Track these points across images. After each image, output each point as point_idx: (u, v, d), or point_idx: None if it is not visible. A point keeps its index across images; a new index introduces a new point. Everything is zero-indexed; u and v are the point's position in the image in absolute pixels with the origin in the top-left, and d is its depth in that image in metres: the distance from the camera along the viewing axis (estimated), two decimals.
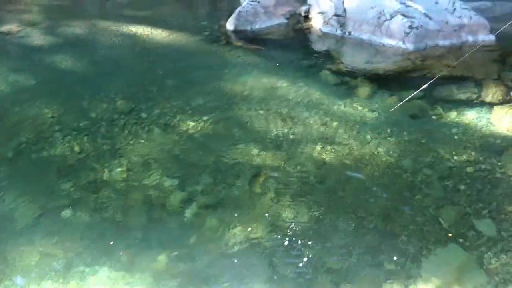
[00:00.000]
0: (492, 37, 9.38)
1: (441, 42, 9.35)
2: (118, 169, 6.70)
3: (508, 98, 7.81)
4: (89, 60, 9.10)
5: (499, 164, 6.65)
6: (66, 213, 6.13)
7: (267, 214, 6.03)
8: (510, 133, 7.15)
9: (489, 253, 5.55)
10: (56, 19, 10.49)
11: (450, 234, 5.73)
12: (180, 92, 8.10)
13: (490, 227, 5.83)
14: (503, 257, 5.51)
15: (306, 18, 10.22)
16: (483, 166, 6.63)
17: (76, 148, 7.05)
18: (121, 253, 5.61)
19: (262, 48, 9.28)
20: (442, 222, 5.91)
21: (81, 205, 6.24)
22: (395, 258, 5.52)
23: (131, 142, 7.14)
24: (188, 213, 6.10)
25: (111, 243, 5.74)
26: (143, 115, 7.63)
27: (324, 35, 9.68)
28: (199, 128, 7.34)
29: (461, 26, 9.37)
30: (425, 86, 7.00)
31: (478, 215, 5.96)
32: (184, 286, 5.32)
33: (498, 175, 6.51)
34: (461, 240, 5.69)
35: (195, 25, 9.96)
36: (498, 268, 5.40)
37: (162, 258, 5.58)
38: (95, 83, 8.39)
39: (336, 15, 9.71)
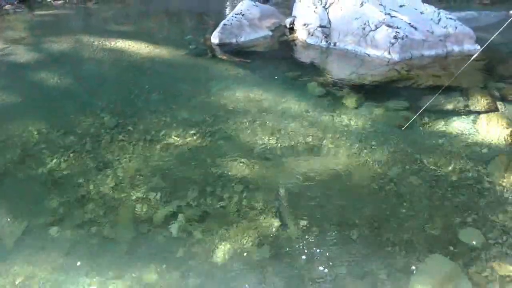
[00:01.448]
0: (477, 47, 9.41)
1: (427, 52, 9.38)
2: (105, 185, 6.64)
3: (494, 107, 7.83)
4: (74, 76, 9.05)
5: (485, 173, 6.65)
6: (53, 230, 6.04)
7: (254, 227, 5.99)
8: (496, 142, 7.16)
9: (475, 262, 5.54)
10: (40, 35, 10.47)
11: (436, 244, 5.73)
12: (165, 106, 8.07)
13: (476, 236, 5.81)
14: (488, 266, 5.50)
15: (291, 29, 10.25)
16: (469, 175, 6.62)
17: (63, 165, 6.98)
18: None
19: (247, 61, 9.27)
20: (429, 231, 5.89)
21: (68, 221, 6.16)
22: (382, 268, 5.49)
23: (117, 157, 7.09)
24: (176, 226, 6.04)
25: (98, 258, 5.67)
26: (129, 129, 7.59)
27: (309, 47, 9.69)
28: (185, 142, 7.31)
29: (447, 36, 9.41)
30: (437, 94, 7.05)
31: (464, 225, 5.95)
32: None
33: (484, 184, 6.51)
34: (447, 249, 5.67)
35: (180, 39, 9.95)
36: (482, 277, 5.39)
37: (150, 272, 5.51)
38: (81, 99, 8.35)
39: (321, 26, 9.73)
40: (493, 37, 7.09)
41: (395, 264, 5.55)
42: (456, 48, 9.45)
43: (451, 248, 5.69)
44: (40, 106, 8.32)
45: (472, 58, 7.36)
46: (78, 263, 5.64)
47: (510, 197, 6.32)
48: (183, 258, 5.69)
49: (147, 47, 9.68)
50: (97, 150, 7.23)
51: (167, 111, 7.91)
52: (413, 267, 5.50)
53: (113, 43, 9.88)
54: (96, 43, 9.95)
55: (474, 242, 5.73)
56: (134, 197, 6.45)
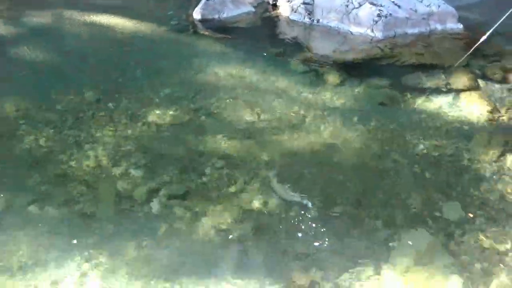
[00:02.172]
0: (460, 26, 9.42)
1: (410, 30, 9.35)
2: (86, 161, 6.58)
3: (475, 85, 7.86)
4: (55, 51, 8.92)
5: (466, 149, 6.70)
6: (34, 208, 5.99)
7: (236, 203, 6.00)
8: (477, 119, 7.20)
9: (455, 235, 5.61)
10: (20, 9, 10.28)
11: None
12: (148, 82, 8.00)
13: (457, 210, 5.88)
14: (469, 239, 5.57)
15: (274, 6, 10.15)
16: (451, 151, 6.67)
17: (42, 142, 6.90)
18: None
19: (229, 37, 9.20)
20: (410, 206, 5.93)
21: (49, 199, 6.11)
22: (363, 242, 5.54)
23: (99, 133, 7.02)
24: (157, 203, 6.03)
25: (79, 236, 5.66)
26: (111, 106, 7.51)
27: (292, 23, 9.62)
28: (167, 118, 7.26)
29: (430, 15, 9.38)
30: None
31: (445, 199, 6.01)
32: (155, 275, 5.27)
33: (465, 160, 6.56)
34: (428, 224, 5.73)
35: (162, 15, 9.82)
36: (464, 250, 5.47)
37: (132, 248, 5.51)
38: (62, 75, 8.24)
39: (304, 3, 9.67)
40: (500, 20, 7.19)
41: (376, 238, 5.61)
42: (439, 27, 9.43)
43: (432, 222, 5.75)
44: (19, 82, 8.17)
45: (481, 41, 7.50)
46: (60, 241, 5.62)
47: (490, 173, 6.38)
48: (165, 234, 5.69)
49: (129, 22, 9.55)
50: (78, 126, 7.15)
51: (149, 87, 7.84)
52: (394, 242, 5.56)
53: (95, 18, 9.74)
54: (77, 17, 9.80)
55: (454, 217, 5.80)
56: (115, 174, 6.41)
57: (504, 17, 7.35)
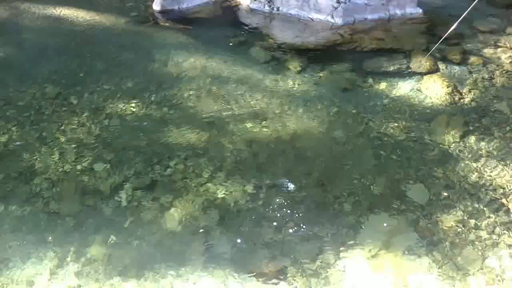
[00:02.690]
0: (419, 10, 9.48)
1: (370, 16, 9.39)
2: (49, 157, 6.51)
3: (435, 68, 7.94)
4: (12, 45, 8.76)
5: (428, 131, 6.79)
6: None
7: (201, 193, 6.00)
8: (438, 102, 7.28)
9: (420, 216, 5.70)
10: None
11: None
12: (109, 75, 7.92)
13: (420, 192, 5.97)
14: (432, 220, 5.68)
15: None
16: (413, 134, 6.74)
17: (3, 139, 6.80)
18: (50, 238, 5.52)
19: (190, 28, 9.14)
20: (375, 189, 5.99)
21: (13, 196, 6.05)
22: (330, 227, 5.59)
23: (62, 128, 6.94)
24: (123, 197, 6.00)
25: (45, 233, 5.61)
26: (73, 100, 7.42)
27: (252, 12, 9.59)
28: (130, 111, 7.20)
29: (389, 0, 9.43)
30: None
31: (409, 181, 6.10)
32: (123, 269, 5.26)
33: (427, 141, 6.64)
34: (393, 206, 5.81)
35: (122, 6, 9.71)
36: (428, 230, 5.57)
37: (99, 244, 5.48)
38: (20, 69, 8.10)
39: None
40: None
41: (343, 222, 5.66)
42: (398, 12, 9.48)
43: (396, 204, 5.83)
44: None
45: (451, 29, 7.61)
46: (25, 239, 5.57)
47: (452, 153, 6.47)
48: (132, 228, 5.67)
49: (88, 14, 9.42)
50: (40, 121, 7.05)
51: (110, 80, 7.76)
52: (360, 225, 5.62)
53: (53, 10, 9.58)
54: (35, 10, 9.63)
55: (418, 198, 5.89)
56: (79, 169, 6.35)
57: (470, 7, 7.42)
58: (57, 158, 6.48)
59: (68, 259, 5.34)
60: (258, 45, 8.62)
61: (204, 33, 9.04)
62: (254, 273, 5.16)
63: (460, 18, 7.44)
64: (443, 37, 7.75)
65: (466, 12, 7.37)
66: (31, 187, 6.16)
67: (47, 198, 6.00)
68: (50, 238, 5.53)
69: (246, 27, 9.26)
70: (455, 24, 7.65)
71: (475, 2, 7.49)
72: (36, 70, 8.02)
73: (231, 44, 8.68)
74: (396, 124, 6.85)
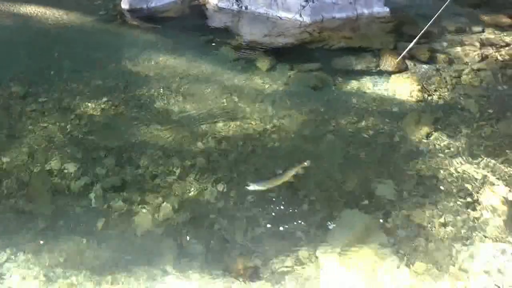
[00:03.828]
0: (386, 9, 9.56)
1: (338, 15, 9.46)
2: (19, 157, 6.43)
3: (404, 66, 8.02)
4: None
5: (398, 128, 6.85)
6: None
7: (172, 193, 5.97)
8: (407, 100, 7.36)
9: (390, 213, 5.74)
10: None
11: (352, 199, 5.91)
12: (77, 74, 7.84)
13: (390, 189, 6.01)
14: (403, 216, 5.71)
15: None
16: (382, 131, 6.80)
17: None
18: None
19: (158, 27, 9.11)
20: (345, 187, 6.01)
21: None
22: (301, 226, 5.59)
23: (30, 127, 6.85)
24: (94, 196, 5.94)
25: (16, 234, 5.54)
26: (41, 99, 7.33)
27: (220, 10, 9.60)
28: (99, 110, 7.14)
29: None
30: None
31: (379, 178, 6.13)
32: (95, 271, 5.19)
33: (397, 139, 6.70)
34: (363, 203, 5.84)
35: (90, 5, 9.64)
36: (397, 227, 5.60)
37: (70, 245, 5.42)
38: None
39: None
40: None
41: (313, 221, 5.67)
42: (366, 11, 9.56)
43: (367, 202, 5.86)
44: None
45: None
46: None
47: (421, 150, 6.54)
48: (103, 228, 5.63)
49: (56, 12, 9.32)
50: (9, 121, 6.95)
51: (79, 79, 7.68)
52: (330, 223, 5.63)
53: (19, 8, 9.47)
54: (1, 8, 9.53)
55: (389, 195, 5.93)
56: (49, 168, 6.28)
57: (442, 7, 7.49)
58: (26, 158, 6.40)
59: (38, 260, 5.27)
60: (226, 44, 8.63)
61: (173, 32, 9.02)
62: (227, 272, 5.15)
63: (432, 20, 7.51)
64: (416, 38, 7.83)
65: (437, 14, 7.44)
66: (1, 187, 6.07)
67: (17, 198, 5.93)
68: (19, 238, 5.47)
69: (215, 26, 9.28)
70: (426, 27, 7.73)
71: (447, 2, 7.57)
72: (3, 69, 7.91)
73: (195, 43, 8.67)
74: (366, 122, 6.89)
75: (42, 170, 6.27)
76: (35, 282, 5.09)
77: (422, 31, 7.77)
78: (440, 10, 7.49)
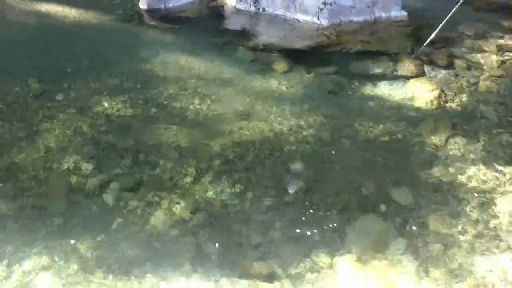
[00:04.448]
0: (404, 13, 9.53)
1: (355, 18, 9.43)
2: (35, 154, 6.46)
3: (421, 71, 7.98)
4: None
5: (415, 134, 6.80)
6: None
7: (189, 194, 5.97)
8: (424, 105, 7.31)
9: (407, 219, 5.70)
10: None
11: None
12: (95, 72, 7.86)
13: (407, 195, 5.97)
14: (419, 223, 5.68)
15: None
16: (399, 136, 6.75)
17: None
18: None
19: (176, 27, 9.12)
20: (361, 192, 5.99)
21: None
22: (317, 230, 5.57)
23: (47, 125, 6.88)
24: (109, 196, 5.96)
25: (32, 231, 5.56)
26: (59, 97, 7.37)
27: (238, 12, 9.59)
28: (116, 109, 7.16)
29: (374, 3, 9.47)
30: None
31: (396, 184, 6.10)
32: (110, 270, 5.20)
33: (414, 145, 6.66)
34: (380, 209, 5.81)
35: (108, 4, 9.65)
36: (414, 234, 5.56)
37: (85, 244, 5.43)
38: (5, 65, 8.02)
39: None
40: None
41: (329, 225, 5.63)
42: (383, 14, 9.53)
43: (384, 207, 5.82)
44: None
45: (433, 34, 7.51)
46: (11, 237, 5.50)
47: (438, 157, 6.48)
48: (118, 228, 5.63)
49: (74, 11, 9.35)
50: (26, 119, 6.98)
51: (96, 78, 7.71)
52: (347, 228, 5.60)
53: (38, 6, 9.50)
54: (20, 6, 9.55)
55: (406, 201, 5.89)
56: (66, 167, 6.30)
57: (452, 11, 7.44)
58: (43, 155, 6.43)
59: (53, 258, 5.28)
60: (244, 45, 8.62)
61: (190, 32, 9.02)
62: (243, 275, 5.13)
63: (441, 25, 7.45)
64: (428, 41, 7.78)
65: (447, 17, 7.37)
66: (17, 184, 6.10)
67: (34, 195, 5.95)
68: (34, 236, 5.48)
69: (232, 27, 9.28)
70: (436, 31, 7.70)
71: (457, 6, 7.51)
72: (20, 67, 7.96)
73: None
74: (382, 127, 6.85)
75: (58, 168, 6.29)
76: (48, 279, 5.11)
77: (433, 35, 7.71)
78: (451, 13, 7.42)
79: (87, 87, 7.56)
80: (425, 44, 7.86)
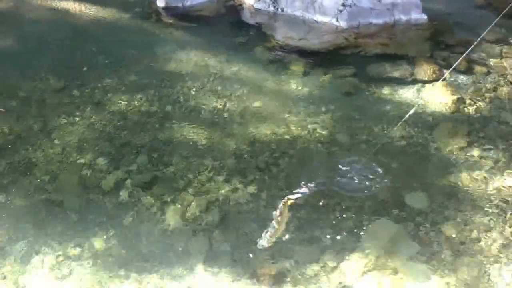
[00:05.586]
0: (424, 16, 9.46)
1: (374, 20, 9.36)
2: (51, 150, 6.53)
3: (439, 75, 7.89)
4: (16, 37, 8.74)
5: (431, 139, 6.75)
6: (0, 197, 5.99)
7: (203, 192, 5.99)
8: (442, 109, 7.25)
9: (421, 224, 5.67)
10: None
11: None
12: (112, 69, 7.91)
13: (421, 200, 5.94)
14: (433, 229, 5.64)
15: None
16: (415, 141, 6.71)
17: (6, 129, 6.83)
18: None
19: (193, 25, 9.11)
20: (376, 196, 5.95)
21: (15, 188, 6.09)
22: (330, 232, 5.56)
23: (64, 121, 6.96)
24: (124, 192, 6.02)
25: (46, 225, 5.65)
26: (75, 93, 7.43)
27: (256, 12, 9.55)
28: (132, 106, 7.21)
29: (394, 5, 9.40)
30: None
31: (410, 189, 6.06)
32: (123, 265, 5.27)
33: (429, 149, 6.61)
34: (394, 213, 5.78)
35: (125, 2, 9.64)
36: (428, 239, 5.53)
37: (100, 239, 5.51)
38: (24, 61, 8.09)
39: None
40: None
41: (342, 228, 5.62)
42: (403, 17, 9.46)
43: (398, 211, 5.80)
44: None
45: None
46: (26, 231, 5.60)
47: (454, 162, 6.44)
48: (132, 224, 5.69)
49: (91, 8, 9.37)
50: (43, 114, 7.08)
51: (113, 75, 7.76)
52: (361, 231, 5.58)
53: (56, 3, 9.54)
54: (38, 3, 9.60)
55: (420, 206, 5.86)
56: (81, 162, 6.36)
57: (493, 23, 7.31)
58: (59, 151, 6.51)
59: (67, 252, 5.36)
60: (261, 46, 8.59)
61: (207, 31, 9.01)
62: (253, 274, 5.14)
63: (480, 38, 7.26)
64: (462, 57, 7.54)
65: (485, 32, 7.18)
66: (33, 179, 6.19)
67: (49, 190, 6.03)
68: (49, 230, 5.52)
69: (250, 27, 9.24)
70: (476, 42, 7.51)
71: (498, 18, 7.36)
72: (38, 62, 8.03)
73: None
74: (399, 131, 6.79)
75: (74, 163, 6.35)
76: (62, 273, 5.18)
77: (471, 47, 7.57)
78: (490, 26, 7.26)
79: (104, 84, 7.60)
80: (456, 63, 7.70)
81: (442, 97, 7.42)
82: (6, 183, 6.13)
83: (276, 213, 5.54)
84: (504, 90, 7.61)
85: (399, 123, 5.83)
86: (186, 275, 5.15)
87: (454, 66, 6.95)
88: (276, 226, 5.42)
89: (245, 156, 6.45)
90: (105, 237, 5.50)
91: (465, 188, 6.10)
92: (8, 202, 5.92)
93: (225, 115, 7.09)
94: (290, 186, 6.05)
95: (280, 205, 5.64)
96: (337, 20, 9.16)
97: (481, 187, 6.12)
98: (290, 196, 5.59)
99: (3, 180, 6.17)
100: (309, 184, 6.02)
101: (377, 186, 6.06)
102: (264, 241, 5.37)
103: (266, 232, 5.38)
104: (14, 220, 5.72)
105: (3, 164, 6.35)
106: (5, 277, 5.20)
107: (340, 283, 5.13)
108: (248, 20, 9.53)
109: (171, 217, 5.70)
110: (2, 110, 7.07)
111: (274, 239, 5.37)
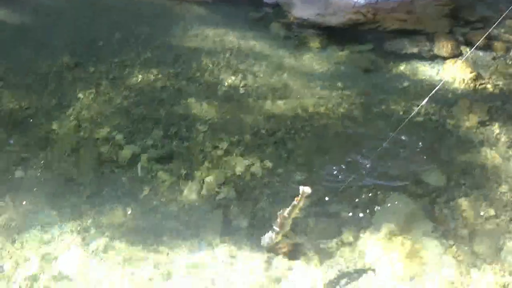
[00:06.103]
0: None
1: None
2: (68, 125, 6.54)
3: (458, 52, 7.82)
4: (30, 13, 8.71)
5: (449, 115, 6.70)
6: (17, 171, 6.00)
7: (219, 167, 5.99)
8: (460, 86, 7.19)
9: (437, 201, 5.66)
10: None
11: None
12: (127, 45, 7.89)
13: (438, 176, 5.92)
14: (449, 205, 5.62)
15: None
16: (433, 117, 6.67)
17: (24, 104, 6.83)
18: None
19: (209, 1, 9.05)
20: (392, 172, 5.92)
21: (32, 162, 6.11)
22: (347, 208, 5.55)
23: (80, 96, 6.95)
24: (140, 167, 6.03)
25: (63, 200, 5.67)
26: (91, 69, 7.42)
27: None
28: (148, 82, 7.18)
29: None
30: None
31: (427, 165, 6.04)
32: (139, 240, 5.29)
33: (448, 126, 6.58)
34: (410, 189, 5.77)
35: None
36: (443, 216, 5.52)
37: (116, 212, 5.54)
38: (39, 37, 8.07)
39: None
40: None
41: (358, 203, 5.63)
42: None
43: (414, 187, 5.78)
44: None
45: None
46: (44, 205, 5.62)
47: (471, 139, 6.41)
48: (148, 199, 5.71)
49: None
50: (59, 90, 7.07)
51: (129, 51, 7.74)
52: (377, 207, 5.57)
53: None
54: None
55: (436, 182, 5.84)
56: (97, 137, 6.37)
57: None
58: (75, 126, 6.52)
59: (84, 226, 5.39)
60: (278, 21, 8.52)
61: (223, 7, 8.95)
62: (271, 249, 5.13)
63: (503, 15, 7.11)
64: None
65: (508, 10, 7.06)
66: (50, 153, 6.21)
67: (66, 165, 6.05)
68: (67, 205, 5.58)
69: (266, 2, 9.15)
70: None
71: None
72: (54, 39, 8.01)
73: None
74: (416, 107, 6.74)
75: (90, 138, 6.37)
76: (76, 247, 5.21)
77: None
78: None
79: (119, 59, 7.59)
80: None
81: (461, 74, 7.36)
82: (23, 158, 6.15)
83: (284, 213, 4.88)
84: None
85: (425, 100, 5.72)
86: (203, 248, 5.18)
87: (476, 45, 6.87)
88: (279, 229, 5.18)
89: (262, 131, 6.43)
90: (120, 211, 5.53)
91: (482, 165, 6.09)
92: (26, 176, 5.94)
93: (242, 90, 7.07)
94: (307, 163, 6.07)
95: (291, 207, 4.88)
96: None
97: (499, 164, 6.09)
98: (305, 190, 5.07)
99: (21, 155, 6.18)
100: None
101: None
102: (268, 240, 5.14)
103: (273, 232, 5.22)
104: (32, 194, 5.74)
105: (22, 139, 6.36)
106: (23, 247, 5.25)
107: (356, 258, 5.14)
108: None
109: (188, 192, 5.71)
110: None
111: (279, 238, 5.11)
